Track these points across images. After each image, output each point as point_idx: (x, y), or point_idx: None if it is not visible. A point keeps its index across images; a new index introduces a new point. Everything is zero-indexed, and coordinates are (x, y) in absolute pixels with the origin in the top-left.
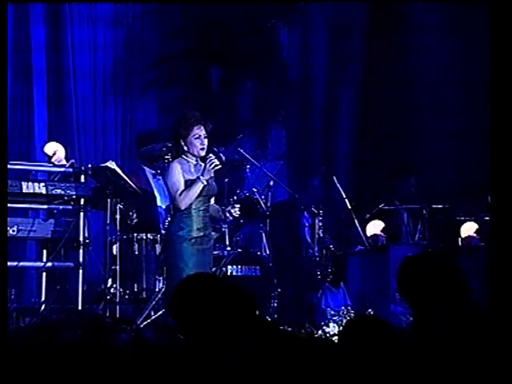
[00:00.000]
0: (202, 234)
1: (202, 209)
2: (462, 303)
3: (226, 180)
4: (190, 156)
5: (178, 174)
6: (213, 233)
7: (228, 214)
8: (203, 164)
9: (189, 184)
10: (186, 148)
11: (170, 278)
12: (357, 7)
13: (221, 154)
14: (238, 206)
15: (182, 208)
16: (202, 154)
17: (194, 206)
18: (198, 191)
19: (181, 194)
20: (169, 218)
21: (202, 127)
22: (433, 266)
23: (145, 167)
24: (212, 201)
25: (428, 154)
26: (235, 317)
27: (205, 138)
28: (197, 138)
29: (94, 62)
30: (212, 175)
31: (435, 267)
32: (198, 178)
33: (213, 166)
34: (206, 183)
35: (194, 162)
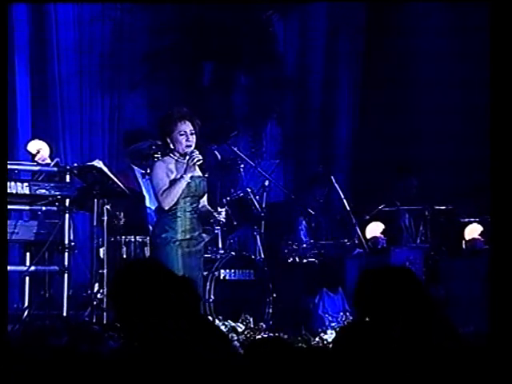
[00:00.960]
0: (188, 236)
1: (188, 210)
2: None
3: (207, 175)
4: (175, 154)
5: (161, 173)
6: (204, 235)
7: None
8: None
9: (172, 183)
10: (171, 145)
11: None
12: (356, 7)
13: (216, 152)
14: (223, 209)
15: (166, 208)
16: (187, 150)
17: (179, 207)
18: (181, 190)
19: (163, 194)
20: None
21: (189, 123)
22: (392, 279)
23: (134, 166)
24: (203, 201)
25: (430, 153)
26: (179, 304)
27: (192, 134)
28: (182, 135)
29: (80, 58)
30: (198, 173)
31: (394, 281)
32: (182, 176)
33: (195, 161)
34: (189, 181)
35: (178, 160)
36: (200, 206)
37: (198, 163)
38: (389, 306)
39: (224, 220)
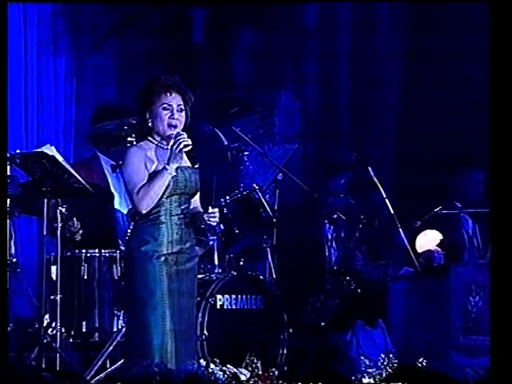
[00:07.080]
0: (176, 249)
1: (175, 213)
2: None
3: (197, 165)
4: (154, 136)
5: (136, 163)
6: (196, 248)
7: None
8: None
9: (151, 176)
10: (150, 123)
11: (130, 315)
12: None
13: (210, 134)
14: (216, 210)
15: (143, 211)
16: (169, 132)
17: (163, 209)
18: (164, 186)
19: (139, 192)
20: (131, 227)
21: (177, 96)
22: None
23: (100, 154)
24: (195, 202)
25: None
26: None
27: (179, 111)
28: (165, 109)
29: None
30: (186, 163)
31: None
32: (164, 167)
33: (181, 146)
34: (174, 174)
35: (158, 145)
36: (191, 207)
37: (186, 149)
38: None
39: (215, 224)
